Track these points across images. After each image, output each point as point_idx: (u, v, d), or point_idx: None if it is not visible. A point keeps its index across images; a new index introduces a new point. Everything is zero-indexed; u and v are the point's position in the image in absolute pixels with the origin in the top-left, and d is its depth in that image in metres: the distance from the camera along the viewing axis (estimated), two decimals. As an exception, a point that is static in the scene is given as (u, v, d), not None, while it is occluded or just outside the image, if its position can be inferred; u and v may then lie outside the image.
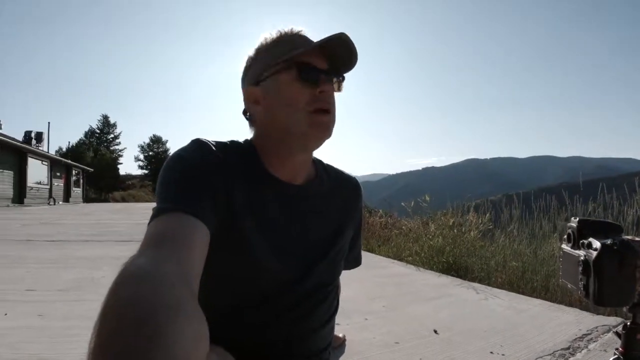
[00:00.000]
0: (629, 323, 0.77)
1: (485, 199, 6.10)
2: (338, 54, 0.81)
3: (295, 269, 0.83)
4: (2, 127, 23.21)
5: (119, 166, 45.80)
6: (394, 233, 6.50)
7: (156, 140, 49.11)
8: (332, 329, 0.96)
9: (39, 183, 23.12)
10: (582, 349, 2.10)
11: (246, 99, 0.84)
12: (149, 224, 0.64)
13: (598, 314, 2.70)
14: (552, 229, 4.57)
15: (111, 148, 46.63)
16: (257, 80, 0.82)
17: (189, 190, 0.69)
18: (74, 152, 38.91)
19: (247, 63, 0.86)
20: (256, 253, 0.78)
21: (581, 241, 0.76)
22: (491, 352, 2.00)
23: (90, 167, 33.83)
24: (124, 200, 35.81)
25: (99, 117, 48.56)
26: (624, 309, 0.75)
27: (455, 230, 5.04)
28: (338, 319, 0.98)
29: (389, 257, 5.43)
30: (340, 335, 1.02)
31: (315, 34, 0.83)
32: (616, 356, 0.77)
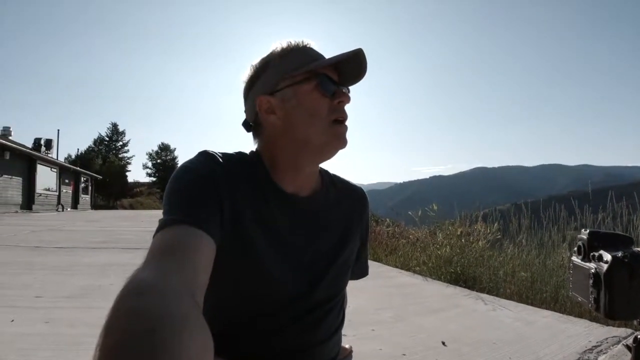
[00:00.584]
0: (639, 336, 0.75)
1: (493, 208, 6.06)
2: (349, 69, 0.83)
3: (303, 280, 0.83)
4: (12, 134, 23.56)
5: (127, 174, 46.18)
6: (401, 242, 6.47)
7: (164, 148, 49.50)
8: (339, 340, 0.95)
9: (48, 189, 23.35)
10: (593, 362, 2.07)
11: (258, 109, 0.83)
12: (154, 235, 0.64)
13: (608, 325, 2.66)
14: (561, 239, 4.52)
15: (120, 155, 47.04)
16: (272, 89, 0.82)
17: (195, 203, 0.69)
18: (83, 159, 39.32)
19: (253, 72, 0.85)
20: (263, 265, 0.77)
21: (592, 254, 0.75)
22: (500, 365, 1.97)
23: (99, 174, 34.12)
24: (131, 207, 36.05)
25: (108, 125, 49.10)
26: (635, 322, 0.74)
27: (463, 240, 5.00)
28: (345, 329, 0.98)
29: (396, 266, 5.40)
30: (347, 346, 1.01)
31: (320, 43, 0.84)
32: (627, 370, 0.75)
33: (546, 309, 3.22)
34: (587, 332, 2.54)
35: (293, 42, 0.84)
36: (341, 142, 0.82)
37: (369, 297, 3.28)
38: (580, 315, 2.97)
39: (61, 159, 30.97)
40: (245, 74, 0.87)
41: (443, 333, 2.42)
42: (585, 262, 0.77)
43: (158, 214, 0.71)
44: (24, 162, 20.42)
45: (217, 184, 0.73)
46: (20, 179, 20.05)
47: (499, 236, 5.15)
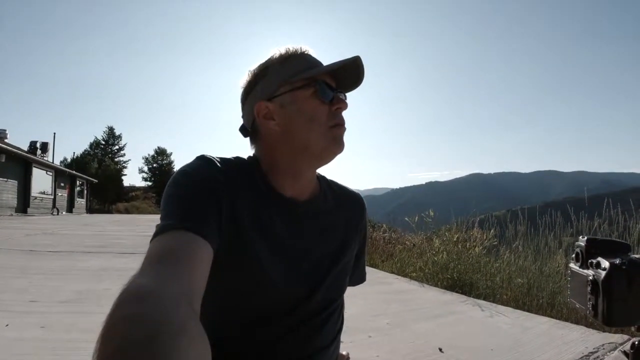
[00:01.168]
0: (637, 342, 0.76)
1: (489, 214, 6.08)
2: (346, 75, 0.84)
3: (302, 285, 0.83)
4: (8, 136, 23.45)
5: (123, 178, 46.02)
6: (398, 248, 6.46)
7: (161, 153, 49.39)
8: (338, 347, 0.95)
9: (43, 193, 23.21)
10: (590, 369, 2.08)
11: (257, 114, 0.83)
12: (151, 240, 0.64)
13: (604, 331, 2.67)
14: (557, 245, 4.54)
15: (116, 159, 46.90)
16: (271, 95, 0.83)
17: (193, 208, 0.69)
18: (79, 162, 39.16)
19: (251, 78, 0.86)
20: (262, 269, 0.77)
21: (589, 260, 0.76)
22: (497, 371, 1.97)
23: (95, 178, 33.97)
24: (127, 211, 35.90)
25: (105, 129, 49.00)
26: (632, 328, 0.75)
27: (459, 246, 5.01)
28: (342, 336, 0.98)
29: (392, 272, 5.40)
30: (344, 353, 1.00)
31: (319, 49, 0.85)
32: (624, 376, 0.76)
33: (543, 315, 3.22)
34: (583, 338, 2.54)
35: (292, 49, 0.84)
36: (339, 147, 0.83)
37: (365, 304, 3.28)
38: (576, 321, 2.98)
39: (57, 162, 30.85)
40: (243, 79, 0.87)
41: (440, 340, 2.42)
42: (583, 269, 0.78)
43: (154, 218, 0.71)
44: (19, 165, 20.31)
45: (215, 189, 0.73)
46: (16, 182, 19.92)
47: (495, 242, 5.16)
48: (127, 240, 8.01)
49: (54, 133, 36.22)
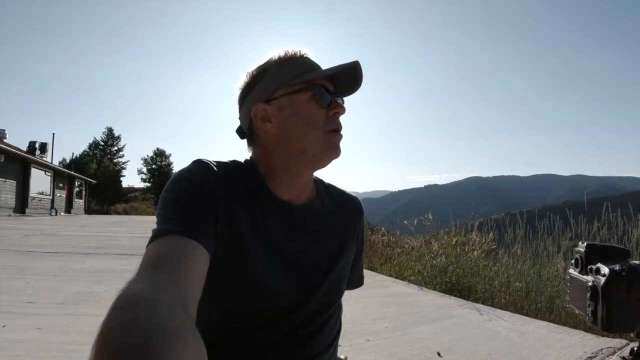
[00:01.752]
0: (635, 348, 0.75)
1: (488, 217, 6.07)
2: (344, 80, 0.84)
3: (299, 289, 0.82)
4: (7, 136, 23.43)
5: (121, 179, 45.97)
6: (397, 251, 6.46)
7: (160, 154, 49.30)
8: (335, 351, 0.94)
9: (42, 193, 23.18)
10: (588, 374, 2.07)
11: (254, 116, 0.83)
12: (147, 245, 0.64)
13: (602, 336, 2.67)
14: (556, 249, 4.54)
15: (114, 160, 46.80)
16: (269, 97, 0.82)
17: (189, 212, 0.68)
18: (78, 163, 39.13)
19: (249, 79, 0.85)
20: (260, 274, 0.77)
21: (589, 266, 0.76)
22: (495, 376, 1.97)
23: (93, 178, 33.94)
24: (125, 212, 35.85)
25: (104, 130, 49.02)
26: (631, 334, 0.75)
27: (458, 250, 5.01)
28: (340, 339, 0.97)
29: (391, 276, 5.39)
30: (342, 357, 1.00)
31: (315, 50, 0.85)
32: (623, 382, 0.75)
33: (541, 319, 3.22)
34: (582, 342, 2.54)
35: (291, 51, 0.84)
36: (335, 152, 0.82)
37: (363, 307, 3.27)
38: (575, 325, 2.97)
39: (56, 162, 30.81)
40: (241, 80, 0.87)
41: (438, 344, 2.41)
42: (583, 274, 0.77)
43: (152, 219, 0.71)
44: (18, 166, 20.29)
45: (212, 193, 0.73)
46: (14, 182, 19.90)
47: (494, 246, 5.16)
48: (125, 241, 8.00)
49: (53, 133, 36.26)
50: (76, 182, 29.76)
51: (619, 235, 4.21)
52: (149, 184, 47.38)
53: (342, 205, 0.97)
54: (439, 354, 2.24)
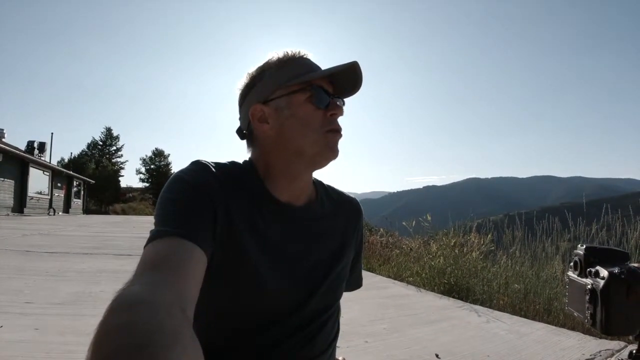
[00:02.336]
0: (634, 351, 0.75)
1: (486, 218, 6.08)
2: (344, 81, 0.83)
3: (298, 291, 0.82)
4: (6, 136, 23.38)
5: (120, 179, 45.87)
6: (395, 252, 6.46)
7: (158, 154, 49.20)
8: (334, 352, 0.94)
9: (40, 193, 23.14)
10: (586, 376, 2.07)
11: (251, 117, 0.83)
12: (145, 246, 0.64)
13: (601, 338, 2.67)
14: (555, 250, 4.54)
15: (113, 160, 46.71)
16: (267, 98, 0.82)
17: (187, 214, 0.68)
18: (76, 163, 39.04)
19: (248, 80, 0.85)
20: (258, 275, 0.77)
21: (588, 269, 0.76)
22: (493, 378, 1.97)
23: (92, 178, 33.89)
24: (124, 212, 35.78)
25: (102, 130, 48.88)
26: (630, 337, 0.74)
27: (457, 251, 5.01)
28: (338, 341, 0.97)
29: (389, 277, 5.39)
30: (340, 358, 1.00)
31: (316, 52, 0.85)
32: (622, 384, 0.75)
33: (539, 320, 3.22)
34: (580, 344, 2.54)
35: (290, 52, 0.84)
36: (333, 153, 0.82)
37: (362, 308, 3.27)
38: (573, 327, 2.98)
39: (54, 162, 30.74)
40: (241, 81, 0.87)
41: (437, 345, 2.41)
42: (582, 277, 0.77)
43: (151, 219, 0.71)
44: (16, 165, 20.25)
45: (211, 195, 0.73)
46: (13, 181, 19.87)
47: (493, 247, 5.16)
48: (123, 242, 7.99)
49: (52, 133, 36.16)
50: (74, 182, 29.72)
51: (618, 237, 4.22)
52: (147, 184, 47.28)
53: (342, 206, 0.97)
54: (437, 355, 2.24)
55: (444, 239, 5.44)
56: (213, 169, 0.77)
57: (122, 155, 48.00)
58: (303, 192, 0.87)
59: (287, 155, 0.81)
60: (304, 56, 0.84)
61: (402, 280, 5.04)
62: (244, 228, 0.76)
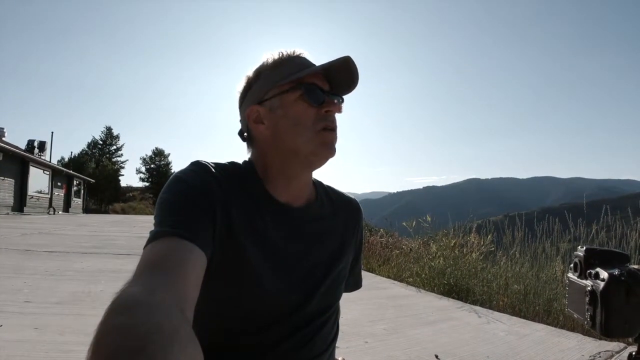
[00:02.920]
0: (634, 353, 0.75)
1: (486, 219, 6.07)
2: (339, 77, 0.82)
3: (297, 292, 0.82)
4: (6, 135, 23.38)
5: (120, 178, 45.83)
6: (395, 253, 6.45)
7: (158, 153, 49.15)
8: (333, 353, 0.94)
9: (40, 192, 23.14)
10: (586, 377, 2.07)
11: (247, 118, 0.83)
12: (144, 247, 0.64)
13: (600, 339, 2.67)
14: (555, 251, 4.54)
15: (113, 160, 46.67)
16: (261, 99, 0.82)
17: (186, 214, 0.68)
18: (76, 162, 39.02)
19: (246, 83, 0.86)
20: (257, 277, 0.77)
21: (588, 271, 0.75)
22: (493, 379, 1.97)
23: (92, 178, 33.89)
24: (124, 212, 35.79)
25: (103, 129, 48.75)
26: (630, 339, 0.74)
27: (456, 251, 5.00)
28: (338, 342, 0.97)
29: (389, 277, 5.39)
30: (340, 359, 1.00)
31: (316, 53, 0.84)
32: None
33: (539, 321, 3.22)
34: (580, 346, 2.54)
35: (284, 52, 0.84)
36: (329, 151, 0.81)
37: (362, 309, 3.27)
38: (572, 328, 2.97)
39: (54, 161, 30.75)
40: (240, 84, 0.87)
41: (436, 346, 2.41)
42: (582, 279, 0.77)
43: (151, 219, 0.71)
44: (16, 164, 20.25)
45: (210, 195, 0.73)
46: (13, 180, 19.87)
47: (492, 248, 5.16)
48: (122, 241, 7.99)
49: (52, 132, 36.28)
50: (74, 181, 29.72)
51: (618, 238, 4.22)
52: (147, 184, 47.25)
53: (341, 207, 0.97)
54: (437, 356, 2.24)
55: (443, 239, 5.44)
56: (212, 170, 0.77)
57: (122, 155, 47.97)
58: (302, 193, 0.87)
59: (283, 155, 0.81)
60: (300, 55, 0.84)
61: (401, 281, 5.04)
62: (242, 229, 0.76)
